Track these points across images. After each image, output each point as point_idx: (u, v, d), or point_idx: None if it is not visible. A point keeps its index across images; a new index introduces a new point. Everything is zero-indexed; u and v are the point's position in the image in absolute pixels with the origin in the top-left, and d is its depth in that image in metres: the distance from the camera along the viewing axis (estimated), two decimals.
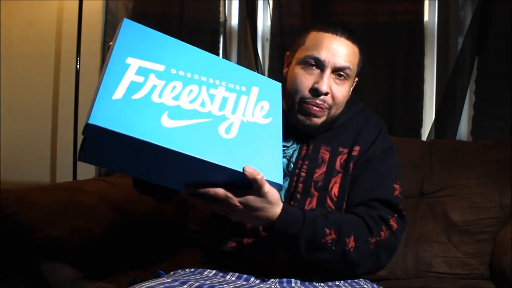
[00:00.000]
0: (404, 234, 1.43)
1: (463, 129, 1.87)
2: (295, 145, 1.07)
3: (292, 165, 1.05)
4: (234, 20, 2.17)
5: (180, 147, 0.71)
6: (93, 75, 2.12)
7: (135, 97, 0.70)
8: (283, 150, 1.07)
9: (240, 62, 2.12)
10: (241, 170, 0.76)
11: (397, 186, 1.03)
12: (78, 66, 2.02)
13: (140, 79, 0.72)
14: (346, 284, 0.99)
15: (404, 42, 1.90)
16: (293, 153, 1.07)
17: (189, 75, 0.78)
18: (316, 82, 1.00)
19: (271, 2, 2.07)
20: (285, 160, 1.06)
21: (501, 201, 1.46)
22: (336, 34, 1.01)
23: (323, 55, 1.00)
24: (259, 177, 0.78)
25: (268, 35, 2.07)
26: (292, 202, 1.02)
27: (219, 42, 2.13)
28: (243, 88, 0.84)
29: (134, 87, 0.71)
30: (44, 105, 2.13)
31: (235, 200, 0.81)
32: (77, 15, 1.99)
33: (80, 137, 2.02)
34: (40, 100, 2.13)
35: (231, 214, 0.84)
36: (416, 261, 1.44)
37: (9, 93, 2.07)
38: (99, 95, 0.67)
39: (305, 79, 1.01)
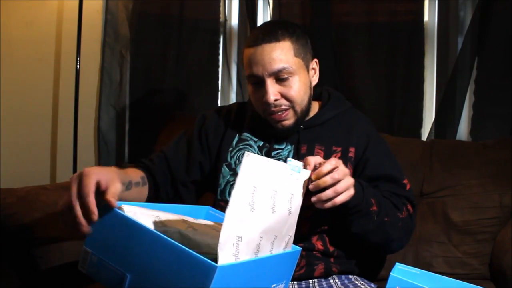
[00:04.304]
0: None
1: (463, 129, 1.87)
2: (289, 146, 1.09)
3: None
4: (234, 20, 2.17)
5: None
6: (93, 75, 2.12)
7: None
8: (278, 153, 1.08)
9: (240, 62, 2.12)
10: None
11: (406, 181, 1.11)
12: (78, 66, 2.01)
13: None
14: (342, 286, 1.01)
15: (404, 42, 1.90)
16: (288, 154, 1.08)
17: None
18: (263, 96, 1.03)
19: (271, 2, 2.06)
20: (281, 162, 1.07)
21: (501, 201, 1.46)
22: (256, 45, 1.02)
23: (255, 70, 1.02)
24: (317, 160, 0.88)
25: None
26: None
27: (219, 42, 2.13)
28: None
29: None
30: (44, 105, 2.13)
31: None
32: (77, 15, 1.99)
33: (80, 137, 2.03)
34: (40, 100, 2.13)
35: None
36: (416, 261, 1.44)
37: (9, 93, 2.06)
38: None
39: (256, 96, 1.06)
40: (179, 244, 0.68)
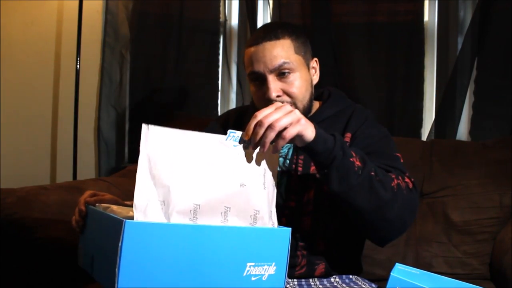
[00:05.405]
0: (404, 234, 1.43)
1: (463, 129, 1.87)
2: (289, 144, 1.08)
3: (288, 162, 1.07)
4: (234, 20, 2.17)
5: None
6: (93, 75, 2.12)
7: None
8: None
9: (240, 62, 2.12)
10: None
11: (399, 155, 1.05)
12: (78, 66, 2.02)
13: None
14: (344, 285, 1.01)
15: (404, 42, 1.90)
16: (288, 151, 1.09)
17: None
18: (265, 93, 1.03)
19: (271, 2, 2.07)
20: (281, 159, 1.08)
21: (501, 201, 1.46)
22: (258, 44, 1.03)
23: (256, 67, 1.03)
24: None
25: None
26: (292, 196, 1.04)
27: (219, 42, 2.14)
28: None
29: None
30: (44, 105, 2.13)
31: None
32: (77, 15, 1.99)
33: (80, 137, 2.03)
34: (40, 100, 2.13)
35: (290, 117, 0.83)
36: (416, 261, 1.44)
37: (9, 93, 2.06)
38: None
39: (259, 94, 1.07)
40: (105, 212, 0.79)
